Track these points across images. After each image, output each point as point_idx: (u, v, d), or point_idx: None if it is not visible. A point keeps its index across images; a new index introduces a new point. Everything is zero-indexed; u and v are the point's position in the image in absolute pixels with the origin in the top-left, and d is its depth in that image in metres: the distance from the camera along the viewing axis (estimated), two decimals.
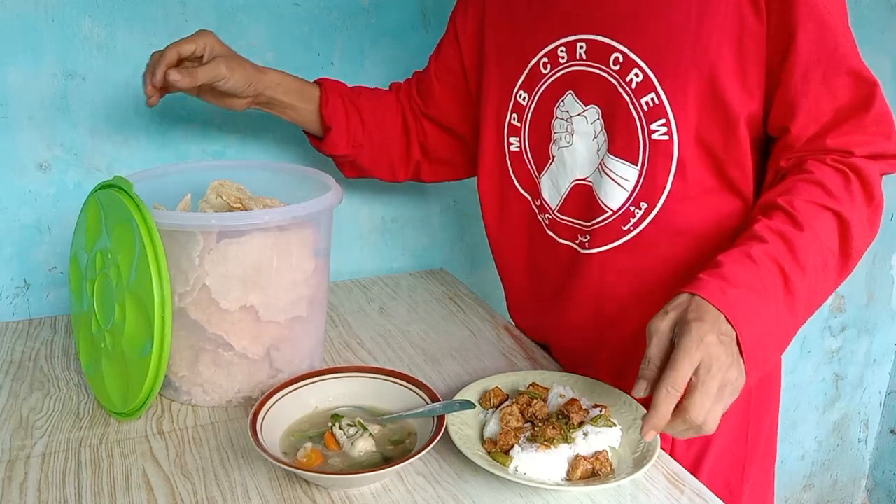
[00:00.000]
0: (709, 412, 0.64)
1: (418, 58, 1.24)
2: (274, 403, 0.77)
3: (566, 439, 0.73)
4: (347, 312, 1.13)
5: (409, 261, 1.37)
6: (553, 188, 0.91)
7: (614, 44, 0.81)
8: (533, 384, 0.83)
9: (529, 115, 0.92)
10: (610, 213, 0.85)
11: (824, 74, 0.75)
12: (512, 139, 0.95)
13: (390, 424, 0.78)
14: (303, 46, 1.16)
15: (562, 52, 0.86)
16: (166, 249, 0.75)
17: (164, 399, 0.86)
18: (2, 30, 0.99)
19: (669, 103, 0.79)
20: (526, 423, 0.77)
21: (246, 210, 0.86)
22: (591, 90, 0.85)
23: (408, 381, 0.81)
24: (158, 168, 0.96)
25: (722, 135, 0.79)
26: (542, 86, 0.89)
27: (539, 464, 0.71)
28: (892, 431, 2.11)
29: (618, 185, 0.84)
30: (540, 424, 0.76)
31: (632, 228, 0.85)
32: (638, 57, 0.80)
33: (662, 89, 0.79)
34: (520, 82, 0.92)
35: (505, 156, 0.96)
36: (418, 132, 1.06)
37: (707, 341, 0.64)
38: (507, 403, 0.79)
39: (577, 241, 0.91)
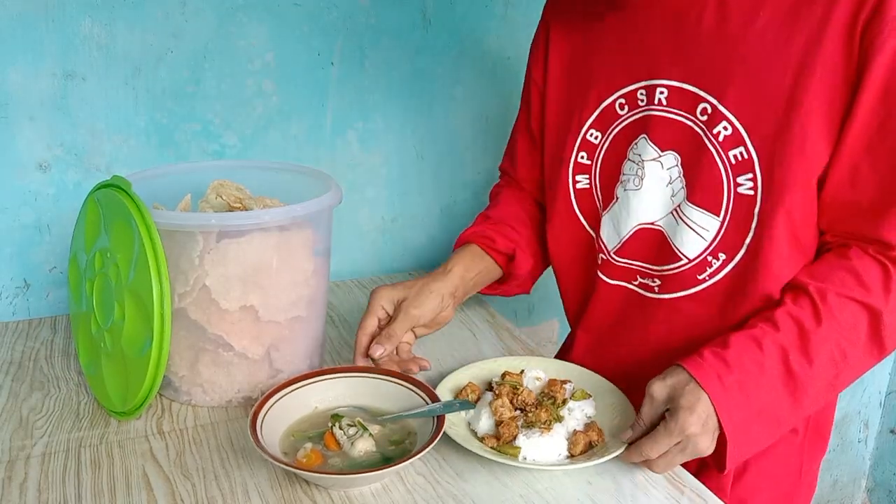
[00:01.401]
0: (665, 459, 0.73)
1: (418, 58, 1.24)
2: (274, 403, 0.77)
3: (557, 418, 0.78)
4: (347, 312, 1.13)
5: (409, 261, 1.37)
6: (612, 230, 0.90)
7: (702, 93, 0.80)
8: (506, 373, 0.85)
9: (601, 154, 0.90)
10: (686, 261, 0.84)
11: (889, 156, 0.74)
12: (579, 177, 0.93)
13: (390, 424, 0.78)
14: (303, 46, 1.16)
15: (641, 94, 0.85)
16: (166, 249, 0.75)
17: (164, 399, 0.86)
18: (2, 30, 0.99)
19: (758, 159, 0.77)
20: (516, 410, 0.80)
21: (246, 210, 0.86)
22: (671, 136, 0.83)
23: (408, 381, 0.81)
24: (158, 168, 0.96)
25: (802, 194, 0.78)
26: (617, 126, 0.88)
27: (543, 448, 0.75)
28: (892, 431, 2.11)
29: (696, 234, 0.83)
30: (533, 410, 0.78)
31: (707, 278, 0.83)
32: (727, 110, 0.78)
33: (752, 145, 0.77)
34: (590, 121, 0.90)
35: (570, 193, 0.95)
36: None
37: (690, 432, 0.71)
38: (491, 397, 0.81)
39: (635, 283, 0.90)
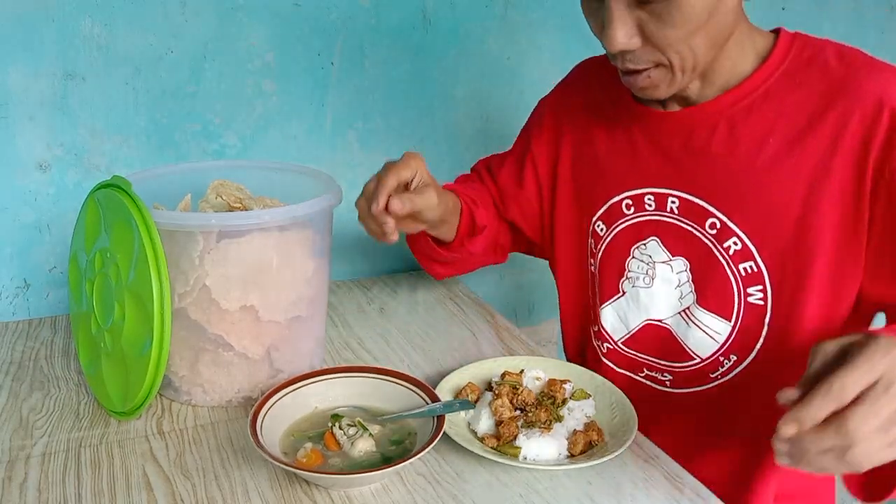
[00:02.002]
0: (868, 437, 0.53)
1: (418, 58, 1.24)
2: (274, 403, 0.77)
3: (557, 418, 0.78)
4: (347, 312, 1.13)
5: (409, 261, 1.37)
6: (619, 322, 0.93)
7: (711, 209, 0.83)
8: (506, 373, 0.85)
9: (604, 246, 0.93)
10: (699, 360, 0.87)
11: None
12: (592, 260, 0.96)
13: (390, 424, 0.78)
14: (303, 46, 1.16)
15: (649, 199, 0.88)
16: (166, 249, 0.75)
17: (164, 399, 0.86)
18: (2, 30, 0.99)
19: (768, 273, 0.80)
20: (516, 410, 0.80)
21: (246, 210, 0.86)
22: (681, 244, 0.86)
23: (408, 381, 0.81)
24: (158, 168, 0.96)
25: (819, 304, 0.80)
26: (621, 224, 0.91)
27: (543, 447, 0.75)
28: None
29: (708, 336, 0.86)
30: (533, 409, 0.78)
31: (720, 377, 0.86)
32: (737, 227, 0.81)
33: (762, 260, 0.81)
34: (598, 213, 0.93)
35: (587, 274, 0.98)
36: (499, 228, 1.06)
37: (894, 355, 0.54)
38: (490, 397, 0.81)
39: (641, 374, 0.93)
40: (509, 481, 0.73)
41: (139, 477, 0.72)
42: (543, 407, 0.78)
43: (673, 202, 0.85)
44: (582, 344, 1.03)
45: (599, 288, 0.94)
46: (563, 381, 0.83)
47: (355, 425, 0.75)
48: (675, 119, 0.84)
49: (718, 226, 0.82)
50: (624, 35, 0.73)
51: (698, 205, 0.83)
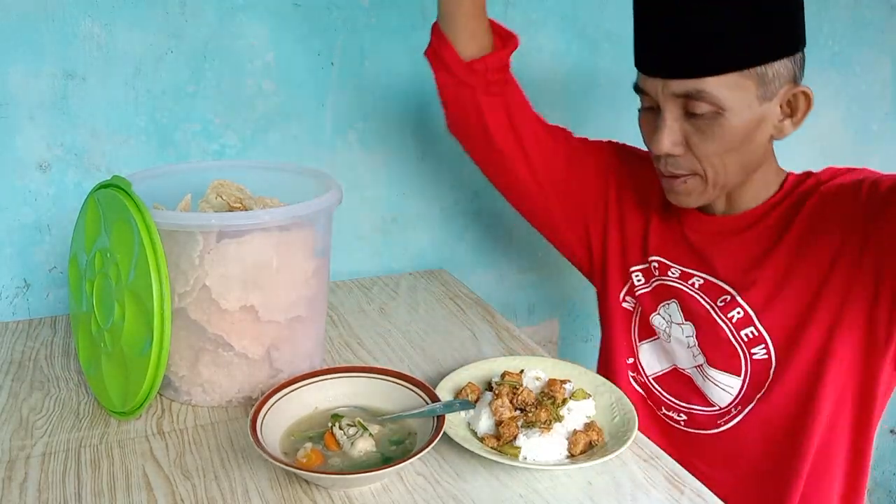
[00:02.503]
0: None
1: (418, 58, 1.24)
2: (274, 403, 0.77)
3: (557, 418, 0.78)
4: (347, 312, 1.13)
5: (409, 261, 1.37)
6: (654, 360, 1.03)
7: (728, 287, 0.92)
8: (506, 373, 0.86)
9: (639, 293, 1.02)
10: (717, 407, 0.96)
11: None
12: (630, 298, 1.05)
13: (390, 424, 0.78)
14: (303, 46, 1.16)
15: (674, 271, 0.98)
16: (166, 249, 0.75)
17: (164, 399, 0.86)
18: (2, 30, 0.99)
19: (769, 337, 0.90)
20: (516, 410, 0.80)
21: (246, 210, 0.86)
22: (694, 311, 0.95)
23: (408, 381, 0.81)
24: (158, 168, 0.96)
25: (818, 355, 0.88)
26: (655, 282, 1.00)
27: (543, 447, 0.75)
28: (892, 431, 2.11)
29: (723, 391, 0.95)
30: (533, 409, 0.78)
31: (723, 424, 0.95)
32: (744, 301, 0.91)
33: (762, 326, 0.90)
34: (638, 267, 1.03)
35: (626, 310, 1.06)
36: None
37: None
38: (490, 397, 0.81)
39: (660, 412, 1.02)
40: (509, 481, 0.73)
41: (139, 477, 0.72)
42: (543, 407, 0.78)
43: (698, 280, 0.96)
44: (615, 372, 1.07)
45: (640, 326, 1.04)
46: (563, 381, 0.83)
47: (355, 425, 0.75)
48: (709, 222, 0.95)
49: (728, 300, 0.92)
50: (670, 142, 0.85)
51: (717, 284, 0.93)
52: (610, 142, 1.09)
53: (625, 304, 1.06)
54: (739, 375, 0.93)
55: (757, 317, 0.90)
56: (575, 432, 0.77)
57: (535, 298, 1.50)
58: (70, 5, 1.01)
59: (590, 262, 1.10)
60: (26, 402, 0.85)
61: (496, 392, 0.81)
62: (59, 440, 0.78)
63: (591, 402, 0.82)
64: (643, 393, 1.04)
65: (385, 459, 0.73)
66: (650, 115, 0.88)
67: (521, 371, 0.87)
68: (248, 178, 0.93)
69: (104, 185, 0.82)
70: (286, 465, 0.67)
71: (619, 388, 0.87)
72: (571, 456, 0.75)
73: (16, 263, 1.09)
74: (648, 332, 1.03)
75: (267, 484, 0.71)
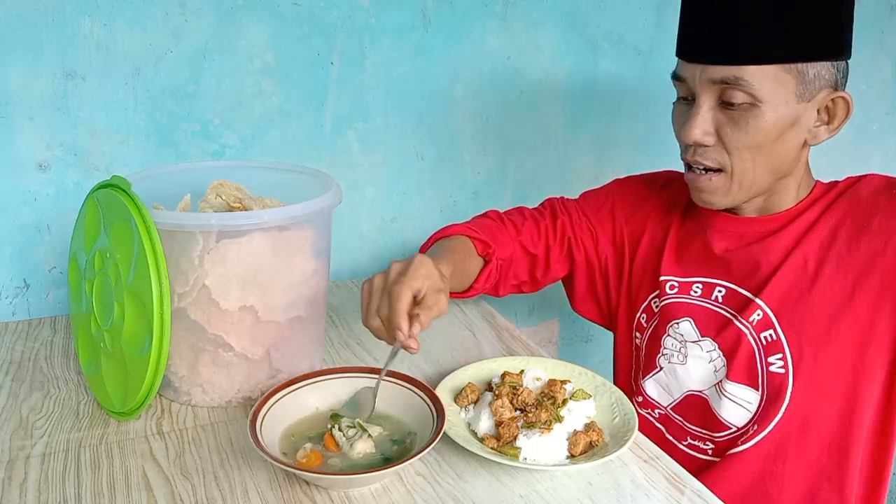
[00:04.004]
0: None
1: (418, 58, 1.24)
2: (274, 403, 0.77)
3: (557, 418, 0.78)
4: (347, 312, 1.13)
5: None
6: (664, 392, 0.99)
7: (749, 295, 0.90)
8: (506, 373, 0.85)
9: (654, 324, 1.01)
10: (734, 429, 0.93)
11: None
12: (638, 334, 1.04)
13: (389, 425, 0.78)
14: (303, 46, 1.16)
15: (697, 287, 0.96)
16: (166, 249, 0.75)
17: (164, 399, 0.86)
18: (2, 30, 0.99)
19: (787, 342, 0.88)
20: (516, 411, 0.80)
21: (246, 210, 0.86)
22: (713, 325, 0.94)
23: (408, 382, 0.81)
24: (158, 168, 0.96)
25: (839, 379, 0.87)
26: (666, 301, 0.98)
27: (543, 448, 0.75)
28: None
29: (741, 407, 0.92)
30: (533, 410, 0.78)
31: (741, 444, 0.92)
32: (762, 301, 0.89)
33: (780, 329, 0.88)
34: (654, 293, 1.00)
35: (633, 347, 1.05)
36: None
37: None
38: (490, 397, 0.81)
39: (685, 443, 0.98)
40: (509, 481, 0.73)
41: (139, 477, 0.72)
42: (543, 407, 0.78)
43: (720, 291, 0.94)
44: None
45: (644, 362, 1.02)
46: (563, 382, 0.83)
47: (354, 426, 0.75)
48: (736, 223, 0.93)
49: (748, 303, 0.90)
50: (701, 130, 0.83)
51: (742, 294, 0.92)
52: (611, 188, 1.08)
53: (636, 341, 1.04)
54: (757, 389, 0.90)
55: (777, 319, 0.88)
56: (575, 433, 0.77)
57: (535, 298, 1.50)
58: (70, 5, 1.01)
59: (587, 295, 1.09)
60: (26, 402, 0.85)
61: (496, 392, 0.81)
62: (59, 440, 0.78)
63: (592, 402, 0.82)
64: (663, 428, 1.00)
65: (385, 460, 0.73)
66: (684, 105, 0.87)
67: (521, 371, 0.87)
68: (247, 178, 0.93)
69: (104, 185, 0.82)
70: (286, 465, 0.67)
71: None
72: (571, 456, 0.75)
73: (15, 263, 1.09)
74: (650, 367, 1.00)
75: (267, 484, 0.71)
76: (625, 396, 0.83)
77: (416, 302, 0.75)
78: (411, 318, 0.73)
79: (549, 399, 0.81)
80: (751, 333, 0.90)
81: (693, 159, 0.87)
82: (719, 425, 0.94)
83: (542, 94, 1.36)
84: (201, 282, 0.78)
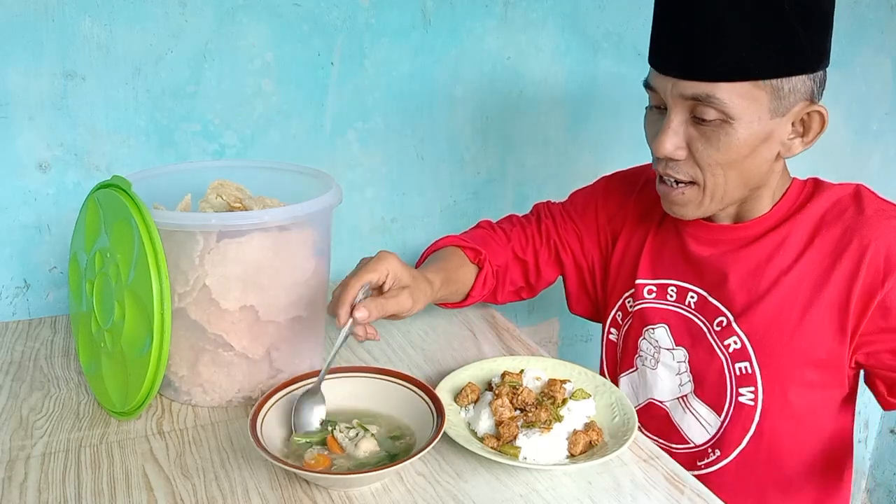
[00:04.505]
0: None
1: (418, 58, 1.24)
2: (274, 403, 0.77)
3: (557, 418, 0.78)
4: None
5: (409, 261, 1.36)
6: (632, 392, 1.01)
7: (723, 308, 0.90)
8: (506, 373, 0.86)
9: (628, 323, 1.01)
10: (692, 445, 0.95)
11: None
12: (614, 330, 1.05)
13: (387, 423, 0.78)
14: (303, 46, 1.16)
15: (672, 290, 0.96)
16: (166, 250, 0.75)
17: (164, 399, 0.86)
18: (2, 30, 0.99)
19: (761, 375, 0.88)
20: (516, 410, 0.80)
21: (246, 210, 0.86)
22: (687, 336, 0.94)
23: (408, 381, 0.81)
24: (158, 168, 0.96)
25: (806, 405, 0.88)
26: (641, 304, 0.98)
27: (543, 447, 0.75)
28: (892, 431, 2.11)
29: (700, 426, 0.94)
30: (533, 410, 0.78)
31: (703, 467, 0.93)
32: (740, 329, 0.88)
33: (757, 362, 0.88)
34: (629, 292, 1.01)
35: (603, 341, 1.07)
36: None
37: None
38: (490, 397, 0.81)
39: None
40: (509, 481, 0.73)
41: (139, 477, 0.72)
42: (543, 407, 0.78)
43: (692, 297, 0.94)
44: None
45: (620, 358, 1.03)
46: (563, 381, 0.83)
47: (354, 427, 0.75)
48: (710, 230, 0.93)
49: (724, 324, 0.90)
50: (672, 144, 0.82)
51: (712, 303, 0.91)
52: (595, 188, 1.08)
53: (610, 336, 1.05)
54: (720, 415, 0.91)
55: (754, 352, 0.87)
56: (575, 432, 0.77)
57: (535, 298, 1.50)
58: (70, 5, 1.01)
59: (582, 296, 1.10)
60: (26, 402, 0.85)
61: (496, 392, 0.81)
62: (59, 440, 0.78)
63: (591, 402, 0.82)
64: None
65: (391, 457, 0.73)
66: (656, 114, 0.86)
67: (521, 371, 0.87)
68: (247, 178, 0.93)
69: (104, 185, 0.82)
70: (286, 465, 0.67)
71: None
72: (571, 456, 0.75)
73: (16, 263, 1.09)
74: (627, 364, 1.01)
75: (267, 484, 0.71)
76: (625, 396, 0.83)
77: (382, 294, 0.80)
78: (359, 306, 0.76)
79: (549, 399, 0.81)
80: (726, 361, 0.90)
81: (665, 172, 0.85)
82: (678, 438, 0.95)
83: (542, 94, 1.36)
84: (201, 282, 0.78)
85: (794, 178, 0.91)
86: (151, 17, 1.06)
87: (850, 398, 0.92)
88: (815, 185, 0.90)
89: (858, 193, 0.87)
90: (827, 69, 0.82)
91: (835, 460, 0.92)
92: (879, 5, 1.63)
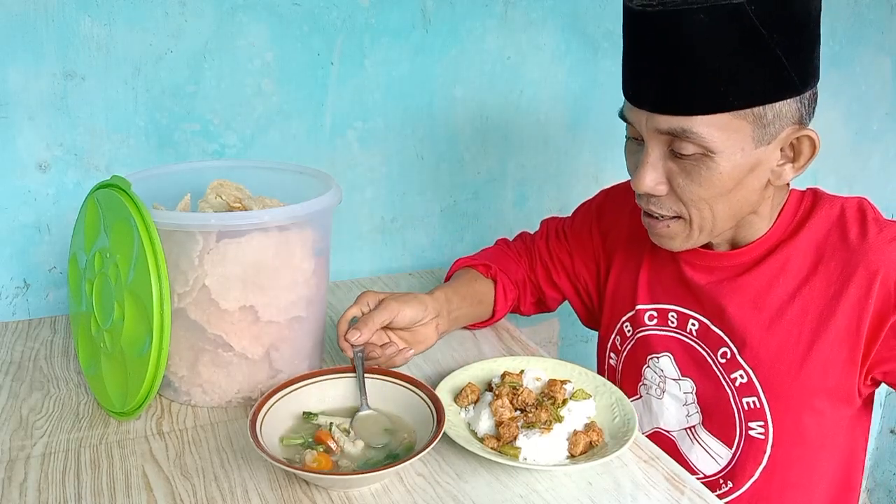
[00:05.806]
0: None
1: (418, 58, 1.24)
2: (274, 403, 0.77)
3: (557, 418, 0.78)
4: None
5: (409, 261, 1.37)
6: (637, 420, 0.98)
7: (725, 338, 0.87)
8: (506, 373, 0.86)
9: (629, 346, 0.98)
10: (701, 476, 0.92)
11: None
12: (613, 354, 1.02)
13: (376, 417, 0.78)
14: (303, 46, 1.16)
15: (673, 316, 0.92)
16: (166, 249, 0.75)
17: (164, 399, 0.86)
18: (2, 30, 0.99)
19: (770, 411, 0.85)
20: (516, 411, 0.80)
21: (246, 210, 0.86)
22: (692, 365, 0.91)
23: (407, 382, 0.81)
24: (158, 168, 0.96)
25: (818, 431, 0.85)
26: (642, 331, 0.95)
27: (543, 448, 0.75)
28: (892, 431, 2.11)
29: (710, 458, 0.91)
30: (533, 410, 0.78)
31: (719, 497, 0.87)
32: (745, 361, 0.85)
33: (765, 397, 0.85)
34: (627, 316, 0.98)
35: (605, 365, 1.04)
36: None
37: None
38: (490, 397, 0.81)
39: None
40: (509, 482, 0.73)
41: (139, 477, 0.72)
42: (543, 407, 0.78)
43: (693, 324, 0.90)
44: None
45: (621, 385, 0.99)
46: (563, 382, 0.83)
47: (344, 432, 0.76)
48: (705, 257, 0.88)
49: (729, 356, 0.87)
50: (652, 180, 0.77)
51: (714, 332, 0.88)
52: (592, 204, 1.07)
53: (610, 361, 1.02)
54: (731, 448, 0.88)
55: (762, 387, 0.84)
56: (575, 433, 0.77)
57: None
58: (70, 5, 1.01)
59: (589, 315, 1.09)
60: (26, 403, 0.85)
61: (496, 392, 0.81)
62: (59, 440, 0.78)
63: (592, 402, 0.82)
64: None
65: (392, 457, 0.73)
66: (635, 145, 0.81)
67: (521, 371, 0.87)
68: (247, 178, 0.93)
69: (104, 185, 0.82)
70: (286, 465, 0.67)
71: None
72: (571, 456, 0.75)
73: (15, 263, 1.09)
74: (630, 392, 0.97)
75: (267, 484, 0.71)
76: (625, 397, 0.83)
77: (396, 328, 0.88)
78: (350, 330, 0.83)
79: (549, 399, 0.81)
80: (733, 395, 0.87)
81: (648, 208, 0.81)
82: (687, 468, 0.91)
83: (542, 94, 1.36)
84: (201, 282, 0.78)
85: (791, 190, 0.86)
86: (151, 17, 1.06)
87: (865, 410, 0.89)
88: (814, 198, 0.85)
89: (861, 211, 0.83)
90: (818, 84, 0.77)
91: (848, 479, 0.90)
92: (879, 5, 1.63)
